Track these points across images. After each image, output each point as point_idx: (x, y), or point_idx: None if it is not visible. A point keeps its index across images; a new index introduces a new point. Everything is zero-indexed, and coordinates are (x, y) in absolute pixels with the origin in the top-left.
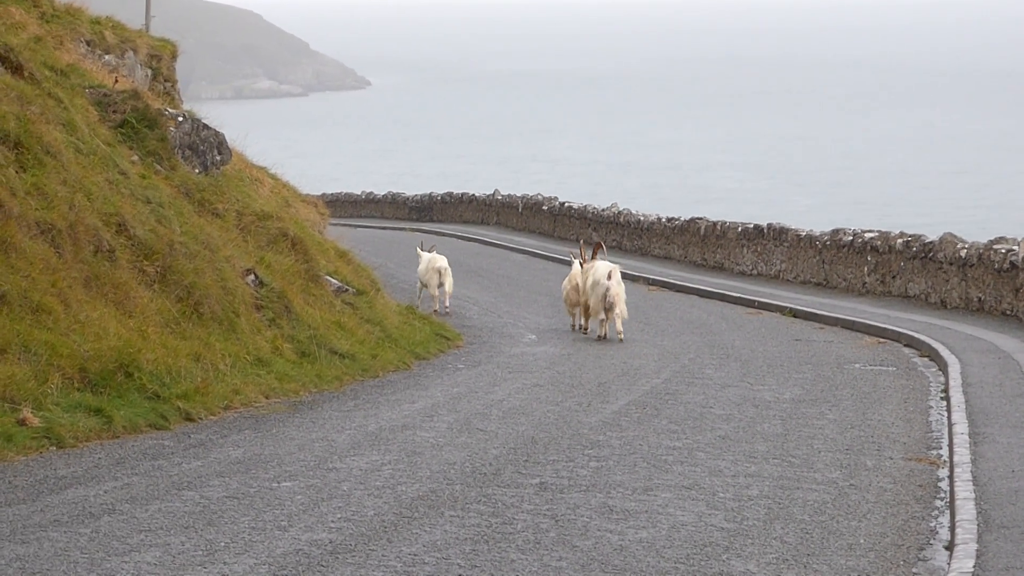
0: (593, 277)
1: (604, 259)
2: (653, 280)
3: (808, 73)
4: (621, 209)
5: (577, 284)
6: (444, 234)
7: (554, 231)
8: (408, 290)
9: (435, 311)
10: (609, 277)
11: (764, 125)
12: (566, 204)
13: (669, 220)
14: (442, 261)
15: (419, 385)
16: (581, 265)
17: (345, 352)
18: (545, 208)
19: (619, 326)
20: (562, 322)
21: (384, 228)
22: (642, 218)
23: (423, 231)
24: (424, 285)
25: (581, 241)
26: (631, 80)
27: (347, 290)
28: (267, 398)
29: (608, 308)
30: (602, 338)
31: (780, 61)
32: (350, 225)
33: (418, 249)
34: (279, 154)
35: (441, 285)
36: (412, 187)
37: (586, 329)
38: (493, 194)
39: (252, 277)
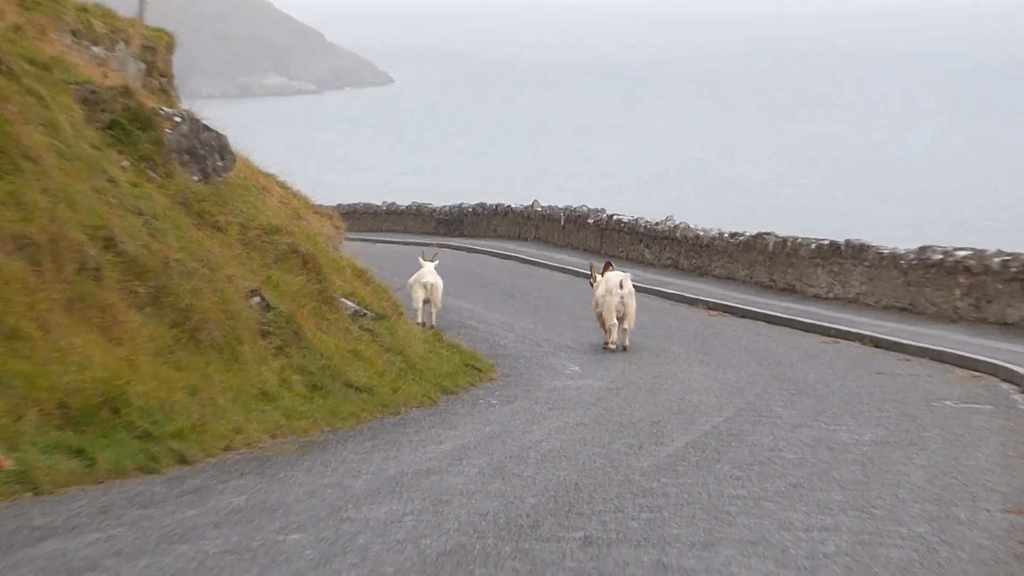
0: (605, 286)
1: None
2: (714, 304)
3: (885, 70)
4: (677, 223)
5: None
6: (476, 250)
7: (601, 247)
8: (439, 315)
9: (420, 324)
10: (621, 286)
11: (837, 129)
12: (615, 217)
13: (732, 236)
14: (429, 276)
15: (446, 423)
16: (591, 285)
17: (362, 385)
18: (591, 221)
19: (625, 339)
20: (609, 353)
21: (408, 244)
22: (701, 233)
23: (451, 247)
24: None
25: (591, 264)
26: (678, 74)
27: (365, 314)
28: (273, 437)
29: (619, 317)
30: (613, 349)
31: (850, 55)
32: (370, 240)
33: (420, 259)
34: (290, 160)
35: (427, 302)
36: (440, 197)
37: (606, 343)
38: (532, 205)
39: (257, 299)
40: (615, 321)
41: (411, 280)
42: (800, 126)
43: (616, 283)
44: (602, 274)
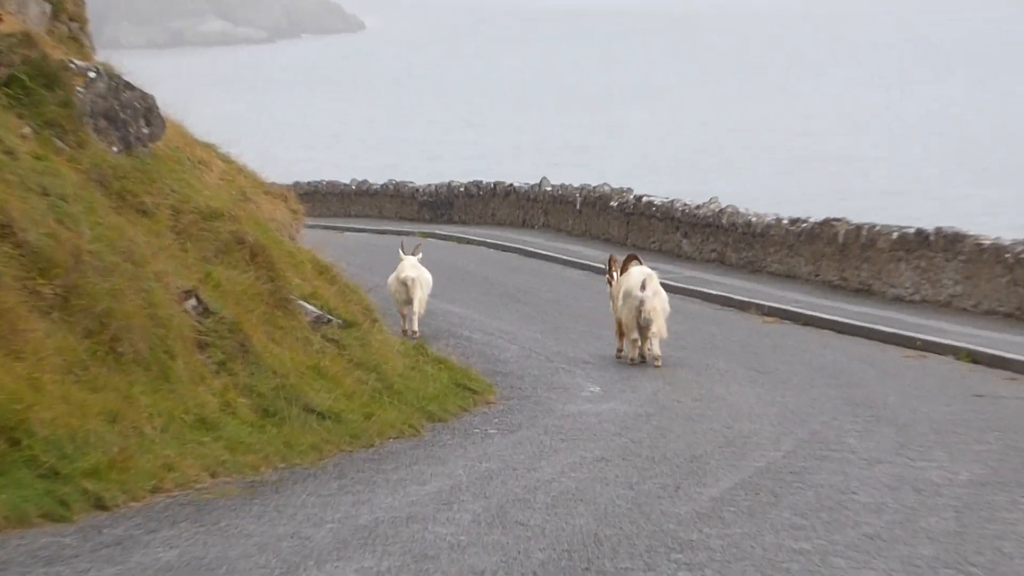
0: (625, 287)
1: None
2: (770, 308)
3: (878, 37)
4: (723, 206)
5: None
6: (469, 240)
7: (627, 237)
8: (423, 321)
9: (403, 331)
10: (643, 287)
11: (915, 91)
12: (644, 199)
13: (793, 222)
14: (410, 270)
15: (432, 457)
16: (609, 283)
17: (326, 410)
18: (614, 205)
19: (656, 348)
20: (637, 369)
21: (383, 232)
22: (754, 219)
23: (438, 236)
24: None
25: (611, 256)
26: (708, 23)
27: (330, 321)
28: (213, 476)
29: (644, 326)
30: (635, 362)
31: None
32: (335, 228)
33: (400, 251)
34: (235, 126)
35: (409, 302)
36: (423, 174)
37: (619, 351)
38: (539, 184)
39: (193, 302)
40: (636, 336)
41: (390, 279)
42: (791, 98)
43: (637, 284)
44: (622, 270)
